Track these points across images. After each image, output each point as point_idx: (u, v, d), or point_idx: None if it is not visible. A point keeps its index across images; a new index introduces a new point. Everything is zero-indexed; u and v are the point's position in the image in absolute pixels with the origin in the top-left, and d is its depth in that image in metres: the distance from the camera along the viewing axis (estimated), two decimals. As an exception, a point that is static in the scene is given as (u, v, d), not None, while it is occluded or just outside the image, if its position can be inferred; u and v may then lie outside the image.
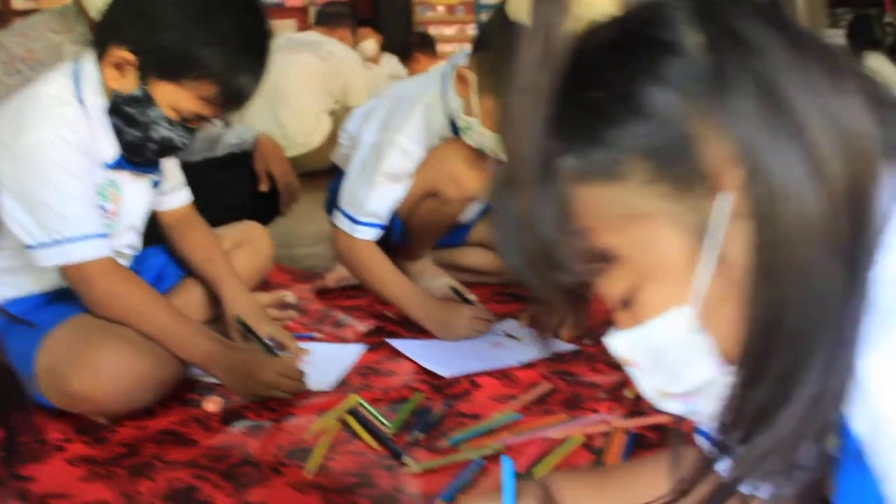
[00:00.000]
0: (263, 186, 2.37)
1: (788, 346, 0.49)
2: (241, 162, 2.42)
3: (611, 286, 0.56)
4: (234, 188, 2.36)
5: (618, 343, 0.58)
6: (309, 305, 1.91)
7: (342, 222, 1.73)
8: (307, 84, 3.98)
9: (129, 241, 1.51)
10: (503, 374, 1.47)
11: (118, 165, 1.42)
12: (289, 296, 1.80)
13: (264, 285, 1.89)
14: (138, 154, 1.40)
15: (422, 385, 1.43)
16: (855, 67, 0.52)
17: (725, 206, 0.49)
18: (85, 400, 1.28)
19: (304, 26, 5.81)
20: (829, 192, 0.47)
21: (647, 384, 0.59)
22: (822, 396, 0.48)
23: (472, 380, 1.44)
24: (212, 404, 1.37)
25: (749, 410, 0.51)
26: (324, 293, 2.00)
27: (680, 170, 0.50)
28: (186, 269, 1.66)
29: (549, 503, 0.86)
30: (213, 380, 1.42)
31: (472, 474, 1.12)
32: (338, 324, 1.79)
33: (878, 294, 0.46)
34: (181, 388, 1.43)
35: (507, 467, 0.88)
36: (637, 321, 0.55)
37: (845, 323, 0.47)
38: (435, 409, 1.33)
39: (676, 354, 0.55)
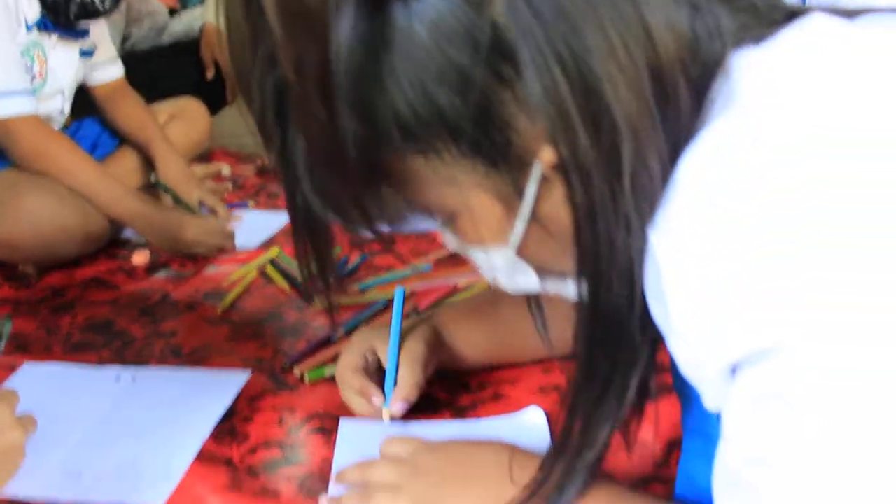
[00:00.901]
0: (210, 74, 2.40)
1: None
2: (188, 50, 2.44)
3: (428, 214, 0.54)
4: (181, 76, 2.39)
5: (448, 241, 0.58)
6: (246, 181, 1.96)
7: None
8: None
9: (57, 105, 1.55)
10: (421, 234, 1.53)
11: (42, 27, 1.45)
12: (224, 168, 1.85)
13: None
14: (59, 14, 1.44)
15: (341, 241, 1.49)
16: None
17: (537, 176, 0.48)
18: (9, 246, 1.33)
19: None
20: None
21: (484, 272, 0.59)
22: None
23: (390, 237, 1.51)
24: (139, 257, 1.43)
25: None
26: (263, 171, 2.05)
27: (490, 148, 0.47)
28: (121, 139, 1.70)
29: (436, 338, 0.93)
30: (144, 240, 1.48)
31: (374, 311, 1.19)
32: (272, 195, 1.85)
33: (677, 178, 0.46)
34: (112, 245, 1.49)
35: (398, 294, 0.95)
36: (459, 239, 0.55)
37: None
38: (351, 261, 1.40)
39: (501, 270, 0.57)
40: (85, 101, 1.72)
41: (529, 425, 0.89)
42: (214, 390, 0.95)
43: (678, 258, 0.44)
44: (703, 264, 0.43)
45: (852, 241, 0.39)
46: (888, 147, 0.40)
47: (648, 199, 0.46)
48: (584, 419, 0.56)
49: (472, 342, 0.95)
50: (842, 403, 0.40)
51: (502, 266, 0.55)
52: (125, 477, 0.80)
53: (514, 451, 0.71)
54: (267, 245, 1.50)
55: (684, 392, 0.66)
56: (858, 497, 0.40)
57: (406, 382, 0.86)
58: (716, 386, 0.46)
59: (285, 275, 1.33)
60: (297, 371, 1.01)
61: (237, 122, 2.62)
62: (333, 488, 0.78)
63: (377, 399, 0.87)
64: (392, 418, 0.86)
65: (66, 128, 1.67)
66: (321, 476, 0.81)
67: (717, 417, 0.58)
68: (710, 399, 0.48)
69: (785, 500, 0.43)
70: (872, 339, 0.39)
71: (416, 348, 0.88)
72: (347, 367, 0.89)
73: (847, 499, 0.41)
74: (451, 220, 0.53)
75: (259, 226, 1.60)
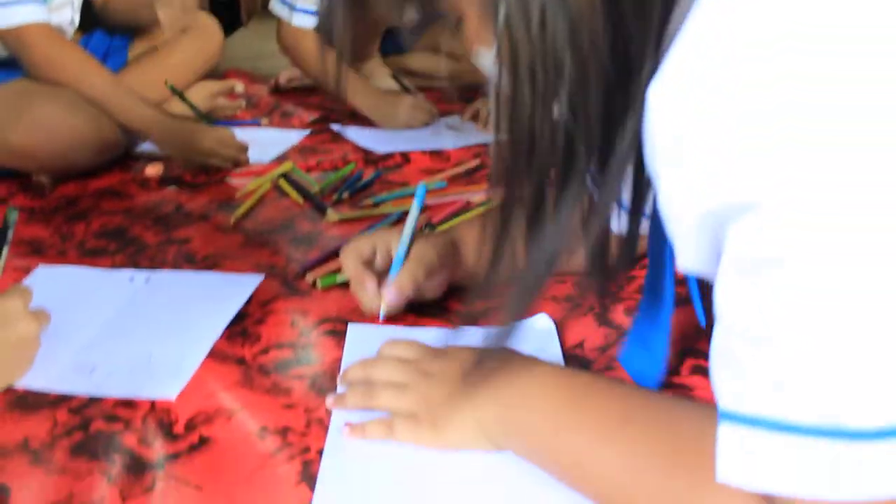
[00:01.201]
0: (224, -7, 2.36)
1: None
2: (202, -32, 2.40)
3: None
4: (195, -5, 2.36)
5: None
6: (260, 100, 1.95)
7: (281, 9, 1.75)
8: None
9: (67, 16, 1.53)
10: (436, 152, 1.52)
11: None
12: (238, 85, 1.83)
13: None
14: None
15: (356, 158, 1.49)
16: None
17: None
18: (24, 155, 1.33)
19: None
20: None
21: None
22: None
23: (404, 155, 1.50)
24: (152, 169, 1.43)
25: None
26: (277, 91, 2.03)
27: None
28: (130, 38, 1.70)
29: (451, 249, 0.93)
30: (159, 153, 1.48)
31: (388, 223, 1.19)
32: (285, 114, 1.84)
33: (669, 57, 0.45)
34: (125, 158, 1.49)
35: (419, 190, 0.94)
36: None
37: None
38: (365, 177, 1.40)
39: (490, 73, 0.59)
40: (89, 17, 1.70)
41: (537, 331, 0.89)
42: (227, 292, 0.96)
43: (667, 133, 0.45)
44: (686, 147, 0.44)
45: (826, 137, 0.39)
46: (865, 44, 0.39)
47: (592, 89, 0.49)
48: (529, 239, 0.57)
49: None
50: (816, 280, 0.40)
51: (488, 67, 0.58)
52: (138, 372, 0.81)
53: (522, 359, 0.71)
54: (280, 160, 1.50)
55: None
56: (841, 365, 0.41)
57: (404, 273, 0.87)
58: (691, 239, 0.47)
59: (299, 188, 1.33)
60: (309, 277, 1.01)
61: (251, 45, 2.60)
62: (341, 388, 0.78)
63: (370, 285, 0.88)
64: (388, 305, 0.88)
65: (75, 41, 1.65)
66: (332, 376, 0.81)
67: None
68: (684, 256, 0.49)
69: (766, 370, 0.43)
70: (843, 233, 0.39)
71: (424, 251, 0.89)
72: (352, 252, 0.90)
73: (829, 367, 0.41)
74: (457, 23, 0.57)
75: (272, 142, 1.60)
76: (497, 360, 0.71)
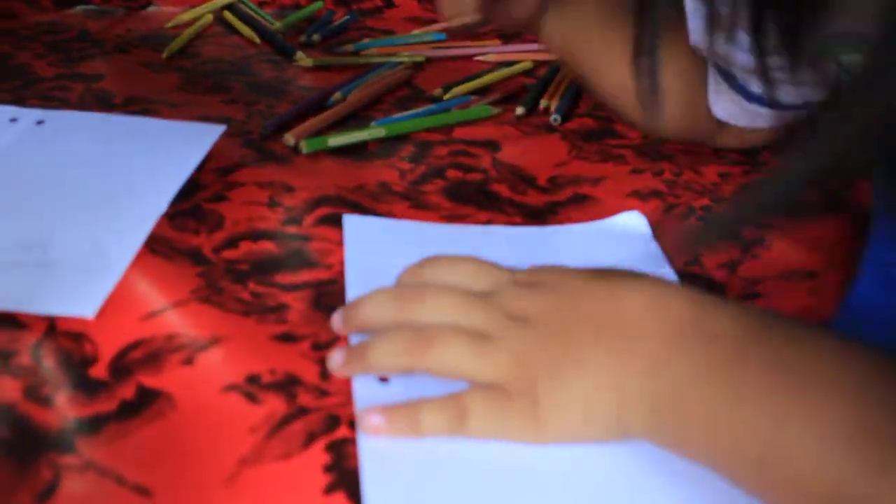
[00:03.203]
0: None
1: None
2: None
3: None
4: None
5: None
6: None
7: None
8: None
9: None
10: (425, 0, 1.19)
11: None
12: None
13: None
14: None
15: (323, -4, 1.14)
16: None
17: None
18: None
19: None
20: None
21: None
22: None
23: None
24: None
25: None
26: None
27: None
28: None
29: None
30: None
31: (377, 74, 0.87)
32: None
33: None
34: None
35: None
36: None
37: None
38: (336, 20, 1.06)
39: None
40: None
41: (628, 236, 0.61)
42: (169, 147, 0.62)
43: None
44: None
45: None
46: None
47: None
48: None
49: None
50: None
51: None
52: (24, 269, 0.48)
53: (694, 298, 0.41)
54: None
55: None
56: None
57: None
58: None
59: (252, 24, 0.98)
60: (288, 138, 0.69)
61: None
62: (354, 338, 0.47)
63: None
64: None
65: None
66: (341, 284, 0.51)
67: None
68: None
69: None
70: None
71: None
72: None
73: None
74: None
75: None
76: (637, 297, 0.41)
